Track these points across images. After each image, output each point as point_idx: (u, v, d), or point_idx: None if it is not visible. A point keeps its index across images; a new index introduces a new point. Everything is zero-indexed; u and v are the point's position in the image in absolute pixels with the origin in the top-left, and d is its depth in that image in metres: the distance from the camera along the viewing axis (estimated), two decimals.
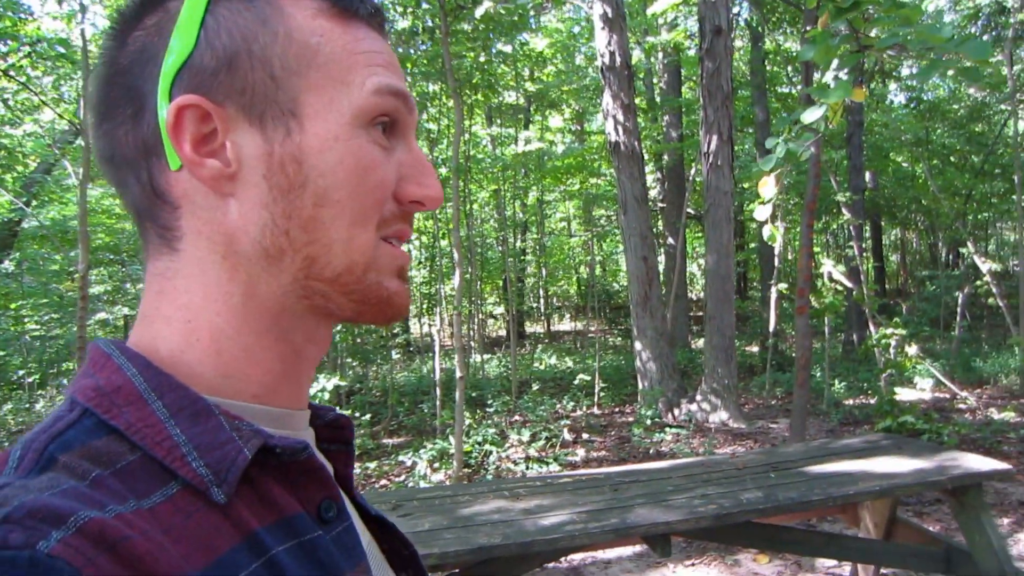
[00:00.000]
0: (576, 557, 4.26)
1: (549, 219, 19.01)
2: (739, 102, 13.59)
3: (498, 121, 14.14)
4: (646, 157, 10.38)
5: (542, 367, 12.60)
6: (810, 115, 2.67)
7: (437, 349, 8.06)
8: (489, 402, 8.40)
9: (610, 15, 8.37)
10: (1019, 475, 5.48)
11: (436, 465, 6.26)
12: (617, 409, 9.03)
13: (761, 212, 3.11)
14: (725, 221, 8.18)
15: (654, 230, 10.88)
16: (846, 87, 2.43)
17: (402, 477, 6.15)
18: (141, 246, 0.53)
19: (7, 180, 10.01)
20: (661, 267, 12.36)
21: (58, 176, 10.77)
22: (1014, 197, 10.89)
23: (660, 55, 13.84)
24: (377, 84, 0.50)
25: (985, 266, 9.84)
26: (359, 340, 10.39)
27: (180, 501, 0.42)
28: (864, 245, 14.17)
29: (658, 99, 14.71)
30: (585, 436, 7.48)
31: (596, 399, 9.13)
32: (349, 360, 10.47)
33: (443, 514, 2.70)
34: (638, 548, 4.23)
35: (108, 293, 11.23)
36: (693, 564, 4.23)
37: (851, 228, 11.60)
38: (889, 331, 7.41)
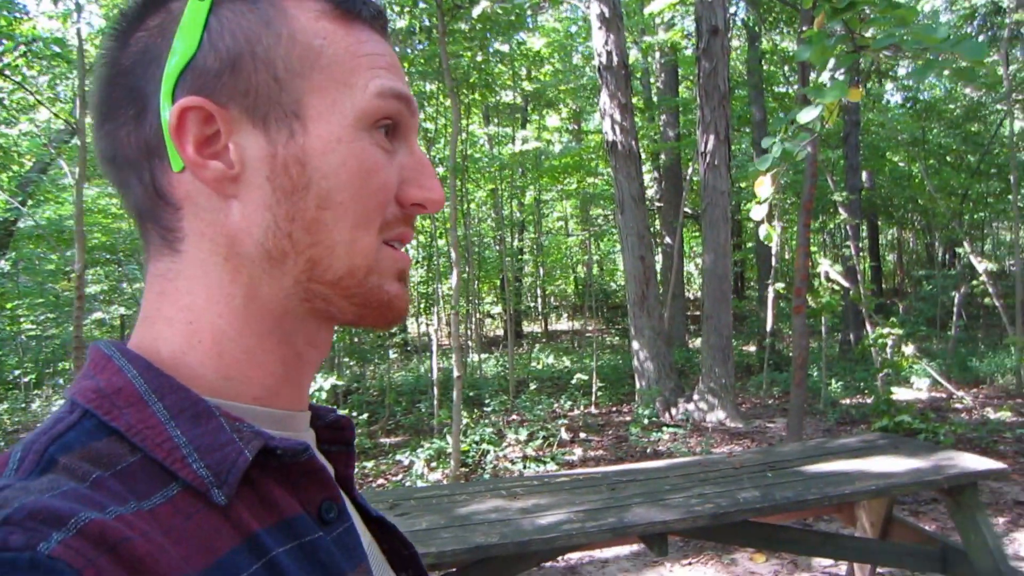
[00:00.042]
0: (573, 556, 4.27)
1: (546, 218, 19.01)
2: (736, 102, 13.59)
3: (495, 120, 14.13)
4: (643, 156, 10.39)
5: (539, 366, 12.60)
6: (806, 115, 2.68)
7: (435, 348, 8.06)
8: (486, 401, 8.40)
9: (607, 15, 8.38)
10: (1015, 474, 5.50)
11: (433, 464, 6.26)
12: (614, 408, 9.04)
13: (757, 212, 3.12)
14: (722, 220, 8.19)
15: (651, 229, 10.89)
16: (842, 87, 2.44)
17: (399, 476, 6.15)
18: (142, 247, 0.53)
19: (3, 179, 9.99)
20: (658, 266, 12.36)
21: (54, 175, 10.74)
22: (1010, 197, 10.92)
23: (657, 55, 13.85)
24: (380, 87, 0.50)
25: (981, 266, 9.87)
26: (356, 340, 10.39)
27: (180, 502, 0.42)
28: (861, 245, 14.19)
29: (655, 99, 14.72)
30: (582, 435, 7.48)
31: (593, 398, 9.14)
32: (346, 360, 10.46)
33: (440, 513, 2.70)
34: (635, 547, 4.24)
35: (104, 293, 11.20)
36: (690, 563, 4.24)
37: (848, 228, 11.62)
38: (886, 331, 7.42)
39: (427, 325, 13.70)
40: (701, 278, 8.95)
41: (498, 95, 12.21)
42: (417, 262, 13.84)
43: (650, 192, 14.04)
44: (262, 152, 0.48)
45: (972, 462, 3.08)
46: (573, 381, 9.55)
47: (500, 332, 18.61)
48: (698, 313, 12.46)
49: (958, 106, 14.59)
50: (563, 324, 20.47)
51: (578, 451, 6.81)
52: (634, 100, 10.50)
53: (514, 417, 8.12)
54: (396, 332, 13.76)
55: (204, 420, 0.45)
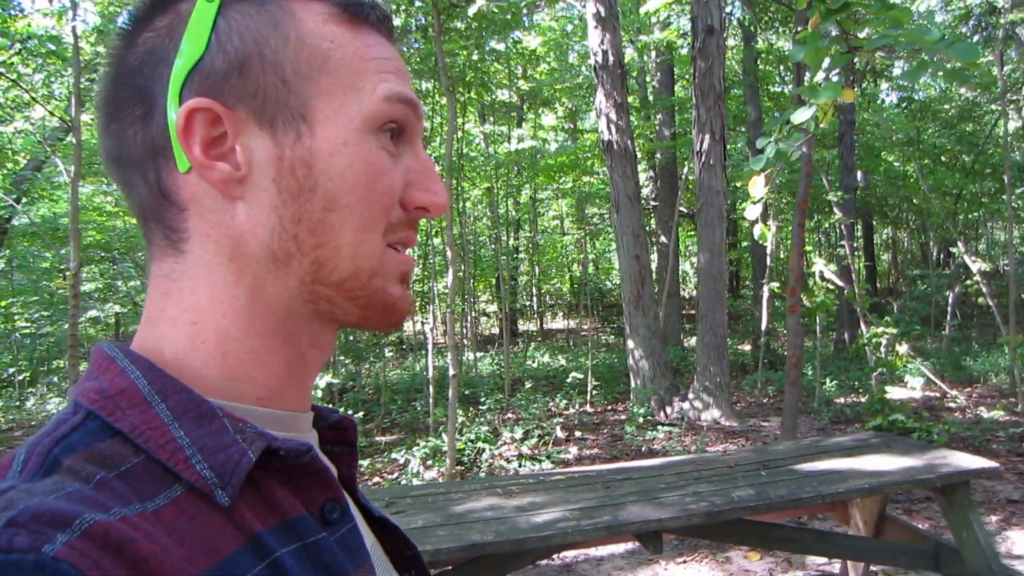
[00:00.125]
0: (569, 554, 4.28)
1: (542, 217, 19.00)
2: (731, 101, 13.62)
3: (491, 119, 14.10)
4: (639, 155, 10.38)
5: (535, 365, 12.61)
6: (800, 115, 2.69)
7: (430, 347, 8.05)
8: (482, 400, 8.41)
9: (603, 14, 8.38)
10: (1007, 473, 5.53)
11: (429, 463, 6.26)
12: (609, 407, 9.05)
13: (752, 211, 3.13)
14: (717, 220, 8.20)
15: (647, 228, 10.91)
16: (836, 88, 2.45)
17: (395, 475, 6.15)
18: (140, 245, 0.53)
19: None
20: (654, 265, 12.38)
21: (49, 173, 10.70)
22: (1004, 197, 10.96)
23: (653, 54, 13.85)
24: (387, 91, 0.50)
25: (975, 265, 9.90)
26: (352, 338, 10.37)
27: (184, 503, 0.42)
28: (855, 244, 14.24)
29: (651, 98, 14.73)
30: (578, 434, 7.49)
31: (589, 397, 9.15)
32: (342, 358, 10.45)
33: (436, 511, 2.71)
34: (630, 545, 4.25)
35: (99, 291, 11.18)
36: (685, 561, 4.25)
37: (843, 227, 11.65)
38: (880, 330, 7.44)
39: (423, 323, 13.68)
40: (696, 277, 8.97)
41: (494, 94, 12.20)
42: None
43: (646, 191, 14.04)
44: (269, 154, 0.48)
45: (965, 461, 3.10)
46: (568, 380, 9.57)
47: (496, 331, 18.60)
48: (693, 312, 12.50)
49: (953, 106, 14.62)
50: (559, 323, 20.48)
51: (573, 449, 6.82)
52: (630, 99, 10.51)
53: (510, 415, 8.13)
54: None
55: (207, 421, 0.45)
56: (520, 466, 6.21)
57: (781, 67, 14.54)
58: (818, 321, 9.38)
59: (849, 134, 12.22)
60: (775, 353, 11.83)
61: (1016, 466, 5.82)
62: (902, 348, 7.85)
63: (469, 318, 14.26)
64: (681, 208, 12.39)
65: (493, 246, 14.84)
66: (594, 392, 9.30)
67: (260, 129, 0.48)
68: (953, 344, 11.75)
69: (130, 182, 0.50)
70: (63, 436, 0.42)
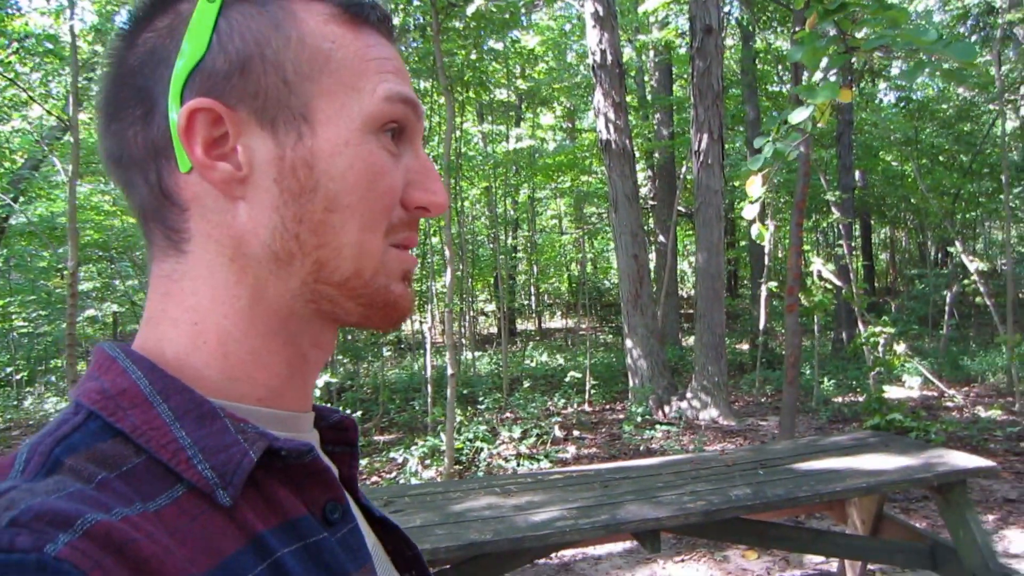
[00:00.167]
0: (566, 553, 4.28)
1: (540, 216, 19.00)
2: (730, 100, 13.62)
3: (489, 118, 14.10)
4: (637, 155, 10.39)
5: (533, 364, 12.61)
6: (798, 115, 2.69)
7: (428, 346, 8.05)
8: (480, 399, 8.41)
9: (601, 13, 8.38)
10: (1004, 472, 5.54)
11: (427, 462, 6.27)
12: (608, 406, 9.06)
13: (749, 211, 3.13)
14: (715, 219, 8.21)
15: (645, 228, 10.91)
16: (833, 88, 2.45)
17: (393, 474, 6.15)
18: (140, 245, 0.53)
19: None
20: (652, 265, 12.40)
21: (46, 172, 10.68)
22: (1001, 196, 10.97)
23: (651, 53, 13.85)
24: (388, 91, 0.51)
25: (973, 265, 9.90)
26: (350, 337, 10.36)
27: (185, 503, 0.42)
28: (853, 244, 14.27)
29: (649, 97, 14.74)
30: (576, 433, 7.50)
31: (587, 396, 9.15)
32: (340, 357, 10.44)
33: (434, 510, 2.71)
34: (628, 544, 4.26)
35: (97, 290, 11.17)
36: (683, 560, 4.26)
37: (840, 227, 11.65)
38: (878, 329, 7.46)
39: (421, 323, 13.67)
40: (694, 276, 8.98)
41: (492, 93, 12.19)
42: None
43: (644, 190, 14.03)
44: (270, 154, 0.48)
45: (962, 460, 3.10)
46: (567, 379, 9.57)
47: (494, 330, 18.60)
48: (691, 311, 12.50)
49: (951, 106, 14.65)
50: (557, 322, 20.48)
51: (571, 449, 6.82)
52: (628, 99, 10.51)
53: (508, 415, 8.13)
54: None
55: (209, 421, 0.45)
56: (518, 465, 6.21)
57: (779, 67, 14.55)
58: (816, 320, 9.39)
59: (847, 134, 12.23)
60: (773, 352, 11.84)
61: (1013, 465, 5.83)
62: (900, 347, 7.87)
63: (467, 317, 14.27)
64: (679, 207, 12.39)
65: (491, 245, 14.84)
66: (592, 391, 9.30)
67: (261, 129, 0.48)
68: (951, 343, 11.76)
69: (130, 182, 0.50)
70: (64, 436, 0.42)
